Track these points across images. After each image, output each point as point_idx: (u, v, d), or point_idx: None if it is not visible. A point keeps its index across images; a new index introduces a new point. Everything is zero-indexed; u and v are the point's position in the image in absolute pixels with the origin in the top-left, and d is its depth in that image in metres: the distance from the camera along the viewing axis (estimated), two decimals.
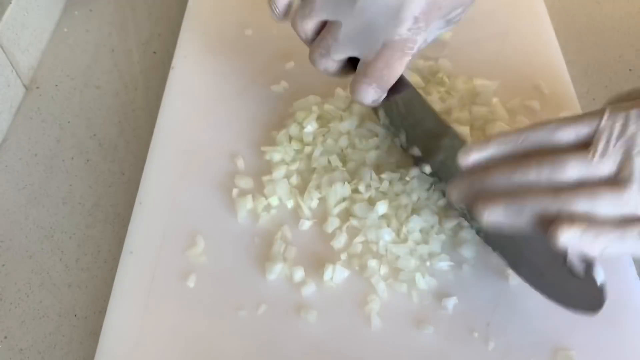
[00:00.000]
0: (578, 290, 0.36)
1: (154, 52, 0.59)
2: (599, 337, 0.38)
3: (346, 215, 0.44)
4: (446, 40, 0.54)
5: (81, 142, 0.53)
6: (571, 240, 0.32)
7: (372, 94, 0.41)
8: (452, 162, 0.38)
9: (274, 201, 0.45)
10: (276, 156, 0.47)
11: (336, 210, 0.44)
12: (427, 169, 0.43)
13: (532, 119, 0.49)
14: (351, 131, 0.48)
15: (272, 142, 0.48)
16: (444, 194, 0.43)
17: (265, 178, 0.46)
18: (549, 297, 0.38)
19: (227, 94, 0.52)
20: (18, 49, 0.55)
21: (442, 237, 0.42)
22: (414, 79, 0.51)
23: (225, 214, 0.45)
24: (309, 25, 0.42)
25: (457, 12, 0.41)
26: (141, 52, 0.59)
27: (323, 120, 0.49)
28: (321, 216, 0.44)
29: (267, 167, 0.47)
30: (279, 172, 0.46)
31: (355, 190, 0.45)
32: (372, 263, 0.41)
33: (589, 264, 0.35)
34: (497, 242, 0.41)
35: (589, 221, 0.33)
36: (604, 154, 0.33)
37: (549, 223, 0.33)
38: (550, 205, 0.33)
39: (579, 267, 0.35)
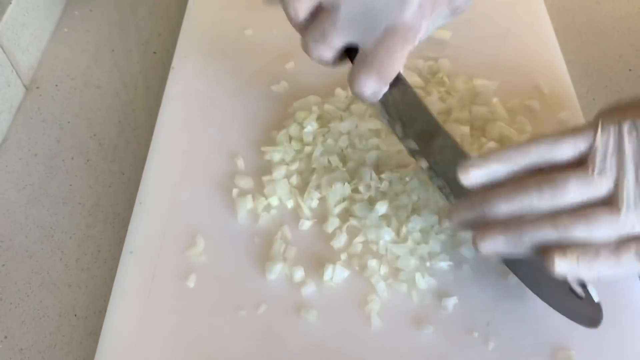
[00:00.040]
0: (578, 305, 0.37)
1: (154, 52, 0.59)
2: (599, 337, 0.38)
3: (346, 215, 0.44)
4: (446, 40, 0.54)
5: (81, 142, 0.53)
6: (566, 269, 0.33)
7: (372, 85, 0.38)
8: (446, 162, 0.38)
9: (274, 201, 0.45)
10: (276, 156, 0.47)
11: (336, 210, 0.44)
12: (424, 163, 0.43)
13: (532, 119, 0.49)
14: (351, 131, 0.48)
15: (272, 142, 0.48)
16: (440, 189, 0.43)
17: (265, 178, 0.46)
18: (551, 307, 0.38)
19: (227, 94, 0.52)
20: (18, 49, 0.55)
21: (442, 237, 0.42)
22: (413, 79, 0.51)
23: (225, 214, 0.45)
24: (304, 6, 0.38)
25: (463, 0, 0.40)
26: (141, 52, 0.59)
27: (323, 120, 0.49)
28: (321, 216, 0.44)
29: (267, 167, 0.47)
30: (279, 172, 0.46)
31: (355, 190, 0.45)
32: (372, 263, 0.41)
33: (584, 285, 0.36)
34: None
35: (585, 247, 0.33)
36: (601, 170, 0.33)
37: (547, 250, 0.33)
38: (549, 234, 0.34)
39: (578, 289, 0.36)
